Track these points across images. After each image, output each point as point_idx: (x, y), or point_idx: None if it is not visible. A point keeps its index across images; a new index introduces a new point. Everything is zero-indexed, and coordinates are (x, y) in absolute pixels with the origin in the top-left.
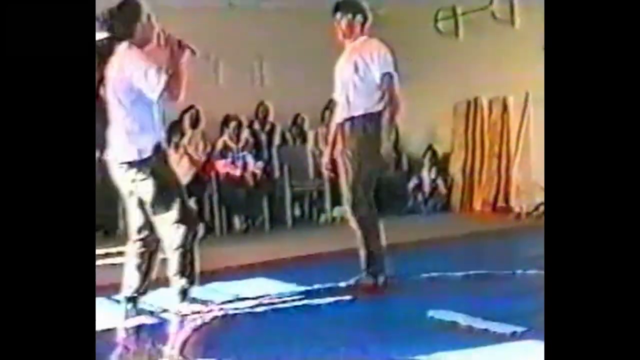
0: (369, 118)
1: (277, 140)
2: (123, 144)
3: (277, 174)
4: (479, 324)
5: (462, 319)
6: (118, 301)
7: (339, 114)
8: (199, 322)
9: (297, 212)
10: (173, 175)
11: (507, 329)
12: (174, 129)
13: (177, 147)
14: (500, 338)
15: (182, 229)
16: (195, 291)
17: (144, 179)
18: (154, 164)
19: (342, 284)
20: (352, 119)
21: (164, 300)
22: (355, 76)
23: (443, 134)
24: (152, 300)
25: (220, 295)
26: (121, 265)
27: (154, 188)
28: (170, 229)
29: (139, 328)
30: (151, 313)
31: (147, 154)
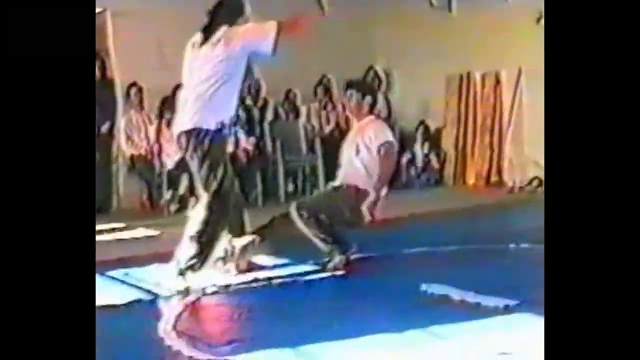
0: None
1: (269, 116)
2: (201, 113)
3: (269, 149)
4: (471, 297)
5: (455, 293)
6: (112, 278)
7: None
8: (192, 297)
9: (290, 187)
10: (222, 158)
11: (499, 302)
12: (166, 105)
13: (169, 123)
14: (493, 311)
15: (204, 214)
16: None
17: (198, 151)
18: (212, 143)
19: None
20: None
21: (158, 275)
22: (355, 159)
23: (436, 108)
24: (147, 275)
25: (213, 270)
26: (116, 241)
27: (200, 163)
28: (198, 209)
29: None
30: (148, 291)
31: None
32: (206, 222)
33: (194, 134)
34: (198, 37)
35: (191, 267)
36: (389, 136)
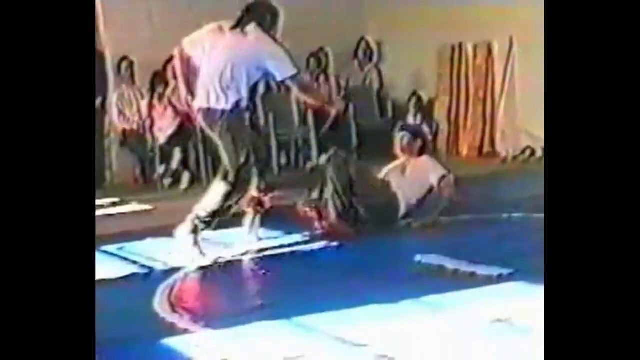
0: None
1: (261, 88)
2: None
3: (262, 122)
4: (465, 267)
5: (449, 263)
6: (107, 252)
7: None
8: (188, 270)
9: (283, 160)
10: (242, 136)
11: (493, 271)
12: (158, 79)
13: (160, 97)
14: (487, 280)
15: (224, 188)
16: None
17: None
18: (232, 120)
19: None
20: None
21: (152, 249)
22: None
23: (428, 79)
24: (141, 250)
25: (208, 244)
26: (110, 216)
27: (223, 141)
28: (217, 184)
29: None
30: (142, 265)
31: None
32: (227, 196)
33: (215, 111)
34: (226, 23)
35: (207, 223)
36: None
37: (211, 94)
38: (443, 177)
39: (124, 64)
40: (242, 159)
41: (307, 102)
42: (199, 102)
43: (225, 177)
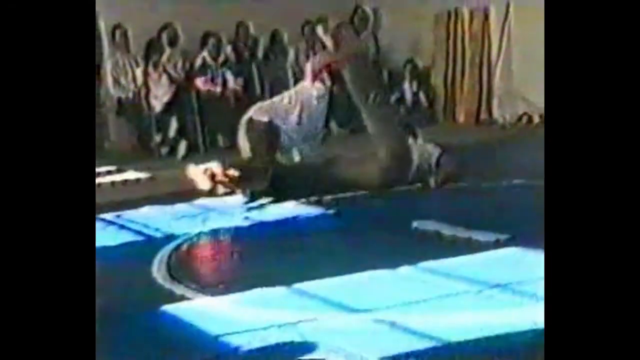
0: None
1: (259, 55)
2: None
3: (257, 90)
4: (462, 233)
5: (446, 229)
6: (105, 220)
7: None
8: (186, 238)
9: None
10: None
11: (490, 237)
12: (152, 47)
13: (155, 65)
14: (484, 246)
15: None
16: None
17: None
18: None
19: (328, 197)
20: None
21: (150, 217)
22: None
23: (424, 46)
24: (139, 217)
25: (207, 211)
26: (107, 184)
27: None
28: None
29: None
30: (140, 232)
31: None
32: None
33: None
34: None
35: None
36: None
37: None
38: (441, 155)
39: (118, 32)
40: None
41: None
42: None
43: None
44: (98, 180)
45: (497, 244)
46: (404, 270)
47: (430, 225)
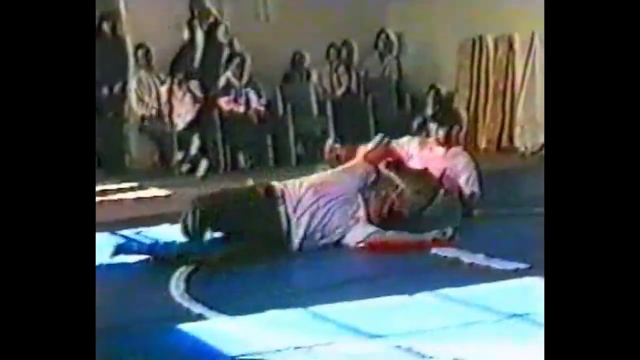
0: None
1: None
2: None
3: (280, 111)
4: (481, 260)
5: (465, 256)
6: (124, 237)
7: None
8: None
9: (301, 149)
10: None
11: (510, 265)
12: (177, 65)
13: (180, 84)
14: (503, 275)
15: None
16: None
17: None
18: None
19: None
20: None
21: (169, 235)
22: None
23: (448, 72)
24: (158, 235)
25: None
26: (128, 201)
27: None
28: None
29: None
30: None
31: None
32: None
33: None
34: None
35: None
36: (476, 184)
37: None
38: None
39: (141, 51)
40: None
41: None
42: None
43: None
44: (118, 196)
45: (516, 273)
46: (422, 296)
47: (449, 252)
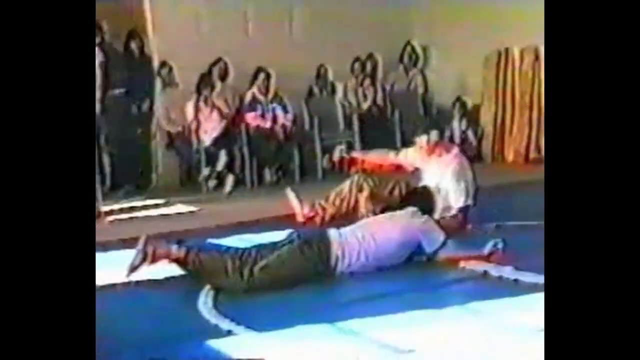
0: None
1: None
2: None
3: (307, 126)
4: (510, 274)
5: (494, 269)
6: None
7: None
8: None
9: (327, 163)
10: None
11: (538, 279)
12: (204, 82)
13: (206, 100)
14: (531, 288)
15: None
16: (228, 242)
17: None
18: None
19: None
20: None
21: None
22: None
23: (473, 84)
24: None
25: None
26: (155, 217)
27: None
28: None
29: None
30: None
31: None
32: None
33: None
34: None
35: None
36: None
37: None
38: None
39: (165, 69)
40: None
41: None
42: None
43: None
44: (146, 212)
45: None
46: (450, 309)
47: (477, 265)
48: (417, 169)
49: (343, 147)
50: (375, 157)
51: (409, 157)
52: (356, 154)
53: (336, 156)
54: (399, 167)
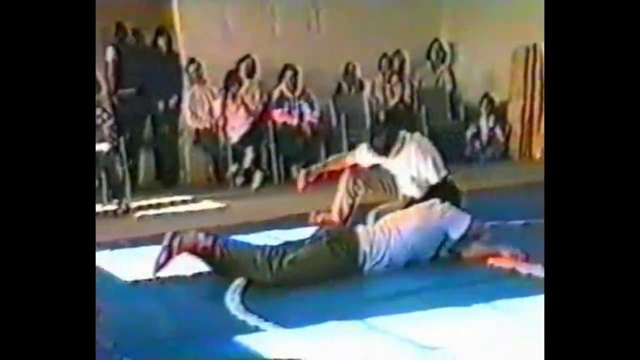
0: None
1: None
2: None
3: (334, 122)
4: (539, 271)
5: (522, 267)
6: None
7: None
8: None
9: None
10: None
11: None
12: (231, 78)
13: (234, 97)
14: None
15: None
16: (254, 239)
17: None
18: None
19: None
20: None
21: None
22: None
23: (501, 81)
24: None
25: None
26: (182, 214)
27: None
28: None
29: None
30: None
31: None
32: None
33: None
34: None
35: None
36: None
37: None
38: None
39: (192, 66)
40: None
41: None
42: None
43: None
44: (173, 209)
45: None
46: (478, 307)
47: (506, 263)
48: (375, 165)
49: (303, 170)
50: (334, 165)
51: (363, 155)
52: (317, 170)
53: (301, 184)
54: (354, 167)
